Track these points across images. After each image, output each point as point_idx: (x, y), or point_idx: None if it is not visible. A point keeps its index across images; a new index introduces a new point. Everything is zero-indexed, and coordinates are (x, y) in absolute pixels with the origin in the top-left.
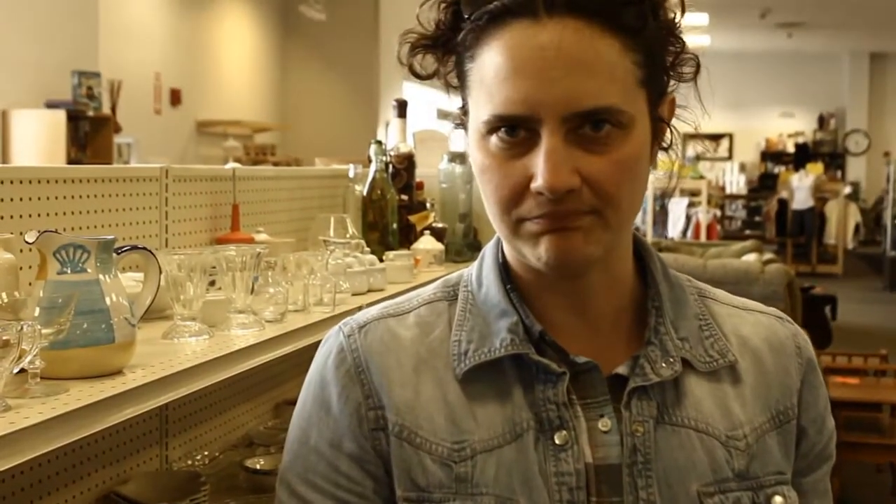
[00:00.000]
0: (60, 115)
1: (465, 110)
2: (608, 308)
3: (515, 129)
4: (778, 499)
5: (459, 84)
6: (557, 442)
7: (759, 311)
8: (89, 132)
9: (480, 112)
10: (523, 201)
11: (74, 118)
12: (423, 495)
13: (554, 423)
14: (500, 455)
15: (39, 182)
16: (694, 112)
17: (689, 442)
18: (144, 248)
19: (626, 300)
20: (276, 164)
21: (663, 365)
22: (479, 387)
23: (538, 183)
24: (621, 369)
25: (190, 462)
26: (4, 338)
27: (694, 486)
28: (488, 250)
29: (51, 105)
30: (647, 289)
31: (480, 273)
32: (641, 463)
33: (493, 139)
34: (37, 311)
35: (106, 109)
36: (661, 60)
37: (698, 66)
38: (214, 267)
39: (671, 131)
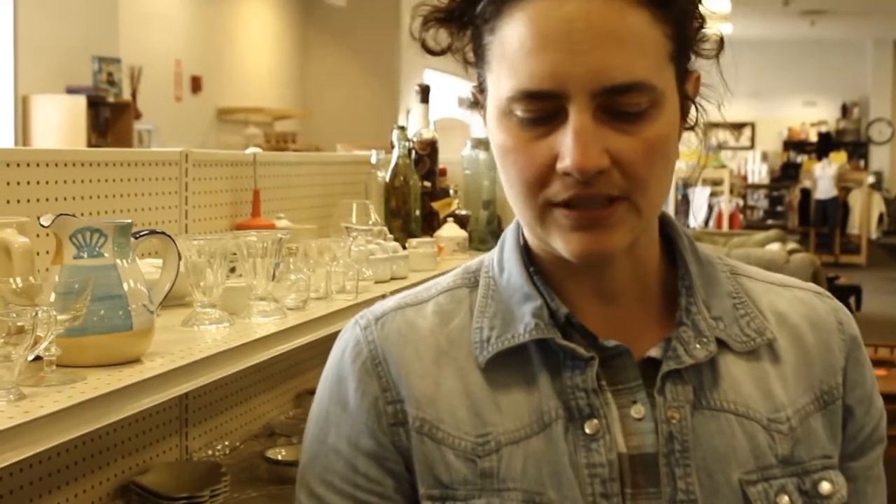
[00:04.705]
0: (81, 101)
1: (481, 88)
2: (635, 291)
3: (540, 107)
4: (825, 485)
5: (476, 60)
6: (588, 431)
7: (797, 286)
8: (109, 118)
9: (502, 87)
10: (550, 183)
11: (95, 104)
12: (447, 492)
13: (584, 411)
14: (526, 447)
15: (57, 165)
16: (718, 92)
17: (729, 427)
18: (163, 233)
19: (653, 282)
20: (296, 151)
21: (697, 346)
22: (503, 375)
23: (566, 163)
24: (653, 352)
25: (210, 452)
26: (19, 324)
27: (735, 475)
28: (509, 233)
29: (71, 91)
30: (676, 269)
31: (502, 257)
32: (679, 451)
33: (516, 117)
34: (52, 297)
35: (126, 96)
36: (688, 34)
37: (721, 42)
38: (235, 253)
39: (696, 109)
